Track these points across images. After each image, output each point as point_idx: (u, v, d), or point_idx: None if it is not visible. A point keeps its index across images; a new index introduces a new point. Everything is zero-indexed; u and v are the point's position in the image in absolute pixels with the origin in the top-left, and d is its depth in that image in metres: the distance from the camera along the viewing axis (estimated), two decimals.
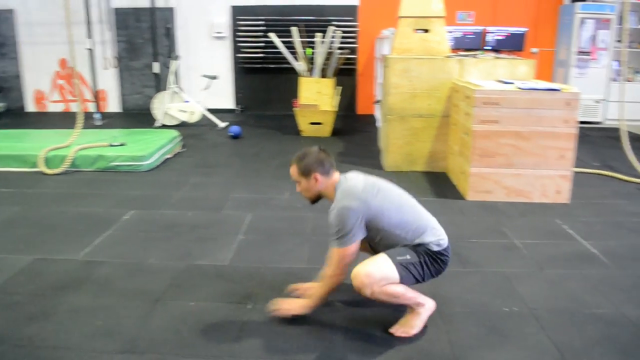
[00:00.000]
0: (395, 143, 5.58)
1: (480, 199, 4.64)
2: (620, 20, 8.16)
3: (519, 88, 4.57)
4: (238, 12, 9.39)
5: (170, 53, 9.27)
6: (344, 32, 8.34)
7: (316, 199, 2.64)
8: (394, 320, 2.59)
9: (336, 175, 2.58)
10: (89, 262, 3.35)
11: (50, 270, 3.23)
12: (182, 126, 8.06)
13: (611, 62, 8.37)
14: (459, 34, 6.88)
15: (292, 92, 8.18)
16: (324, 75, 7.68)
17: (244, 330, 2.58)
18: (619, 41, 8.15)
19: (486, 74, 5.39)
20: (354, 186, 2.48)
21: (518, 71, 5.40)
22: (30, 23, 9.67)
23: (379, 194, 2.49)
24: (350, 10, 9.29)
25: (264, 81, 9.65)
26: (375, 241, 2.54)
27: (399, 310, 2.61)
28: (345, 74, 9.07)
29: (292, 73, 8.13)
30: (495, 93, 4.53)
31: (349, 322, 2.64)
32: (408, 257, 2.45)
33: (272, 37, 7.94)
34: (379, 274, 2.39)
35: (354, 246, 2.43)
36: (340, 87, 8.18)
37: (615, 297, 2.93)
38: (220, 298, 2.89)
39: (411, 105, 5.48)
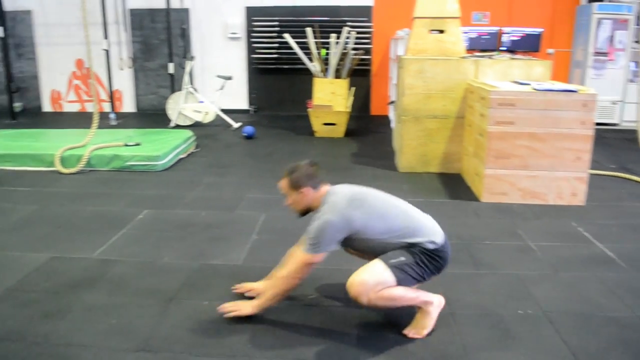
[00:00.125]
0: (410, 144, 5.57)
1: (495, 201, 4.61)
2: (638, 20, 8.10)
3: (535, 89, 4.53)
4: (253, 13, 9.42)
5: (185, 54, 9.32)
6: (359, 32, 8.33)
7: (305, 212, 2.66)
8: (408, 322, 2.58)
9: (324, 188, 2.60)
10: (104, 260, 3.38)
11: (66, 268, 3.26)
12: (196, 126, 8.11)
13: (629, 63, 8.27)
14: (474, 35, 6.86)
15: (306, 92, 8.18)
16: (338, 76, 7.67)
17: (258, 330, 2.59)
18: (637, 42, 8.08)
19: (502, 75, 5.36)
20: (339, 202, 2.49)
21: (534, 72, 5.36)
22: (47, 24, 9.78)
23: (363, 206, 2.49)
24: (365, 11, 9.28)
25: (278, 82, 9.67)
26: (367, 249, 2.56)
27: (414, 311, 2.60)
28: (360, 75, 9.06)
29: (306, 74, 8.14)
30: (510, 94, 4.50)
31: (363, 324, 2.63)
32: (402, 258, 2.45)
33: (287, 37, 7.95)
34: (372, 280, 2.40)
35: (318, 256, 2.46)
36: (354, 88, 8.18)
37: (631, 300, 2.90)
38: (233, 298, 2.89)
39: (426, 106, 5.46)
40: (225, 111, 8.48)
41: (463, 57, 5.54)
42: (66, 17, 9.52)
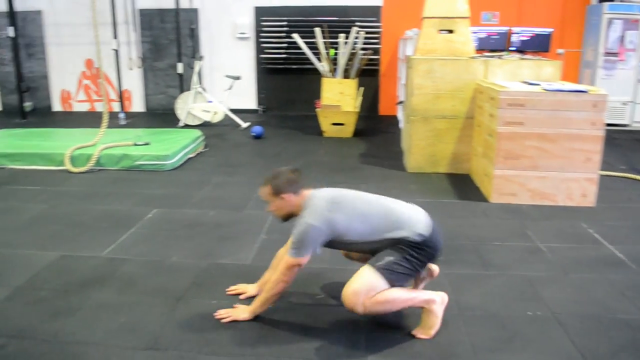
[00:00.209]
0: (418, 144, 5.55)
1: (504, 202, 4.59)
2: None
3: (545, 89, 4.51)
4: (261, 13, 9.44)
5: (194, 53, 9.35)
6: (367, 32, 8.33)
7: (287, 217, 2.67)
8: (416, 322, 2.57)
9: (305, 194, 2.61)
10: (113, 259, 3.40)
11: (75, 266, 3.28)
12: (205, 126, 8.13)
13: (639, 64, 8.21)
14: (483, 35, 6.83)
15: (314, 92, 8.19)
16: (346, 76, 7.67)
17: (266, 329, 2.59)
18: None
19: (511, 75, 5.34)
20: (319, 205, 2.51)
21: (544, 72, 5.33)
22: (57, 24, 9.83)
23: (344, 207, 2.51)
24: (374, 11, 9.27)
25: (286, 82, 9.68)
26: (356, 249, 2.60)
27: (421, 311, 2.59)
28: (368, 75, 9.05)
29: (315, 74, 8.14)
30: (520, 94, 4.48)
31: (371, 324, 2.63)
32: (390, 258, 2.45)
33: (296, 37, 7.96)
34: (364, 287, 2.41)
35: (304, 259, 2.48)
36: (363, 88, 8.17)
37: None
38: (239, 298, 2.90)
39: (435, 107, 5.44)
40: (233, 111, 8.50)
41: (472, 57, 5.52)
42: (76, 17, 9.57)
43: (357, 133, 7.64)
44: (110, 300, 2.86)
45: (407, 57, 6.33)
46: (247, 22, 9.52)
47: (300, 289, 2.96)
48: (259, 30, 9.49)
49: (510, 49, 7.01)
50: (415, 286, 2.82)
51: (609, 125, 6.27)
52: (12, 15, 8.80)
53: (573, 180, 4.50)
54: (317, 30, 7.67)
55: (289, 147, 6.89)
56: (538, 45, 7.08)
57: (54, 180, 5.23)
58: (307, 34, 8.05)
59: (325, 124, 7.59)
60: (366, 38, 8.11)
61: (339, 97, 7.51)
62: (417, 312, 2.60)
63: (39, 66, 10.09)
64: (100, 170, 5.57)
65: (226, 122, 8.39)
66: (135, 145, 5.91)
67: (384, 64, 9.50)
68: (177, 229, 3.94)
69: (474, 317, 2.71)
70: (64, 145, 5.78)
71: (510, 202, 4.58)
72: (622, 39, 8.11)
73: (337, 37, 7.59)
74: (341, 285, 2.48)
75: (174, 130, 7.36)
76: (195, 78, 8.35)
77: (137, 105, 10.10)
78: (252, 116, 9.25)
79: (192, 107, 8.30)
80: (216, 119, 8.37)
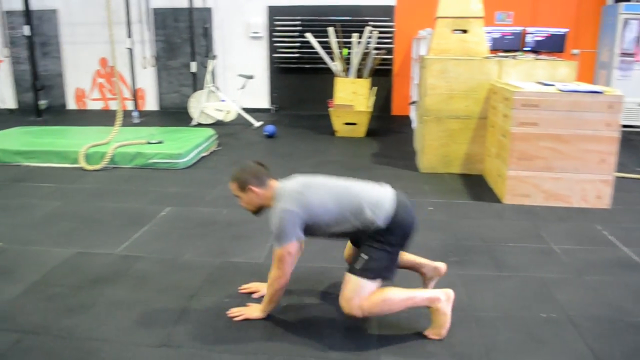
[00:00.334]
0: (431, 144, 5.53)
1: (518, 203, 4.56)
2: None
3: (560, 90, 4.48)
4: (274, 12, 9.45)
5: (207, 53, 9.38)
6: (381, 32, 8.31)
7: (258, 210, 2.68)
8: (429, 322, 2.56)
9: (273, 184, 2.62)
10: (127, 256, 3.42)
11: (90, 263, 3.30)
12: (217, 125, 8.16)
13: None
14: (497, 35, 6.80)
15: (327, 92, 8.19)
16: (359, 75, 7.66)
17: (278, 327, 2.60)
18: None
19: (525, 75, 5.30)
20: (289, 190, 2.53)
21: (558, 73, 5.29)
22: (72, 23, 9.92)
23: (314, 188, 2.54)
24: (387, 11, 9.25)
25: (299, 81, 9.69)
26: (332, 234, 2.58)
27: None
28: (381, 75, 9.05)
29: (328, 73, 8.14)
30: (535, 95, 4.45)
31: (383, 323, 2.62)
32: (364, 257, 2.47)
33: (309, 37, 7.96)
34: (352, 292, 2.44)
35: (291, 246, 2.48)
36: (376, 88, 8.16)
37: None
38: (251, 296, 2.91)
39: (448, 107, 5.42)
40: (246, 110, 8.53)
41: (486, 58, 5.49)
42: (91, 17, 9.65)
43: (370, 133, 7.63)
44: (123, 297, 2.88)
45: (421, 57, 6.31)
46: (260, 21, 9.54)
47: (312, 287, 2.96)
48: (272, 30, 9.51)
49: (525, 49, 6.97)
50: (425, 286, 2.81)
51: (624, 126, 6.21)
52: (27, 14, 8.90)
53: (588, 181, 4.47)
54: (331, 30, 7.67)
55: (302, 147, 6.90)
56: (553, 46, 7.03)
57: (69, 177, 5.28)
58: (320, 33, 8.06)
59: (338, 123, 7.59)
60: (379, 38, 8.09)
61: (352, 97, 7.51)
62: (429, 312, 2.59)
63: (54, 65, 10.18)
64: (114, 168, 5.61)
65: (239, 121, 8.42)
66: (149, 143, 5.95)
67: (397, 64, 9.48)
68: (190, 227, 3.96)
69: (487, 318, 2.70)
70: (78, 143, 5.83)
71: (523, 204, 4.55)
72: (638, 39, 8.01)
73: (350, 37, 7.58)
74: None
75: (187, 128, 7.40)
76: (208, 77, 8.39)
77: (151, 103, 10.16)
78: (265, 115, 9.27)
79: (205, 106, 8.33)
80: (229, 118, 8.39)
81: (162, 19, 9.76)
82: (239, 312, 2.68)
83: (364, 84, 7.57)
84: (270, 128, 7.55)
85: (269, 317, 2.66)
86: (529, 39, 7.00)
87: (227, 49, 9.69)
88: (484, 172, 5.46)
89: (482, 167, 5.49)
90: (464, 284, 3.05)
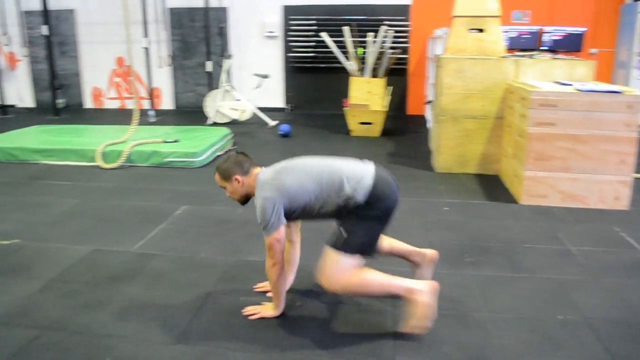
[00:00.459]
0: (447, 144, 5.50)
1: (534, 204, 4.52)
2: None
3: (578, 90, 4.43)
4: (290, 11, 9.47)
5: (222, 52, 9.42)
6: (396, 31, 8.29)
7: (245, 199, 2.70)
8: (442, 323, 2.55)
9: (255, 172, 2.64)
10: (143, 254, 3.44)
11: (106, 261, 3.33)
12: (233, 124, 8.19)
13: None
14: (514, 34, 6.72)
15: (342, 91, 8.18)
16: (374, 75, 7.64)
17: (293, 326, 2.60)
18: None
19: (543, 75, 5.25)
20: (267, 177, 2.56)
21: (576, 72, 5.23)
22: (89, 23, 10.02)
23: (290, 172, 2.56)
24: (403, 10, 9.22)
25: (314, 80, 9.69)
26: (315, 215, 2.57)
27: (446, 312, 2.56)
28: (396, 74, 9.01)
29: (343, 72, 8.13)
30: (552, 95, 4.41)
31: (398, 323, 2.61)
32: (344, 232, 2.47)
33: (324, 36, 7.95)
34: (332, 267, 2.47)
35: (278, 232, 2.49)
36: (391, 87, 8.13)
37: None
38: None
39: (464, 106, 5.39)
40: (261, 109, 8.55)
41: (503, 57, 5.45)
42: (108, 16, 9.74)
43: (385, 132, 7.61)
44: (139, 295, 2.90)
45: (437, 56, 6.28)
46: (275, 20, 9.55)
47: None
48: (287, 29, 9.52)
49: (542, 48, 6.88)
50: (414, 276, 2.78)
51: None
52: (45, 14, 9.00)
53: (606, 182, 4.41)
54: (346, 29, 7.66)
55: (316, 146, 6.90)
56: (570, 45, 6.94)
57: (86, 175, 5.33)
58: (336, 32, 8.06)
59: (353, 123, 7.58)
60: (395, 37, 8.07)
61: (367, 96, 7.49)
62: (443, 314, 2.58)
63: (72, 64, 10.29)
64: (130, 166, 5.66)
65: (254, 121, 8.44)
66: (165, 142, 5.98)
67: (412, 63, 9.45)
68: (206, 226, 3.98)
69: (503, 320, 2.68)
70: (95, 142, 5.88)
71: (540, 204, 4.51)
72: None
73: (365, 36, 7.57)
74: None
75: (202, 127, 7.43)
76: (224, 76, 8.42)
77: (167, 103, 10.23)
78: (280, 114, 9.28)
79: (220, 105, 8.36)
80: (244, 117, 8.42)
81: (178, 19, 9.82)
82: (254, 311, 2.69)
83: (379, 83, 7.56)
84: (285, 127, 7.56)
85: (283, 316, 2.66)
86: (546, 38, 6.91)
87: (243, 48, 9.72)
88: (500, 173, 5.42)
89: (498, 168, 5.45)
90: (480, 285, 3.03)
